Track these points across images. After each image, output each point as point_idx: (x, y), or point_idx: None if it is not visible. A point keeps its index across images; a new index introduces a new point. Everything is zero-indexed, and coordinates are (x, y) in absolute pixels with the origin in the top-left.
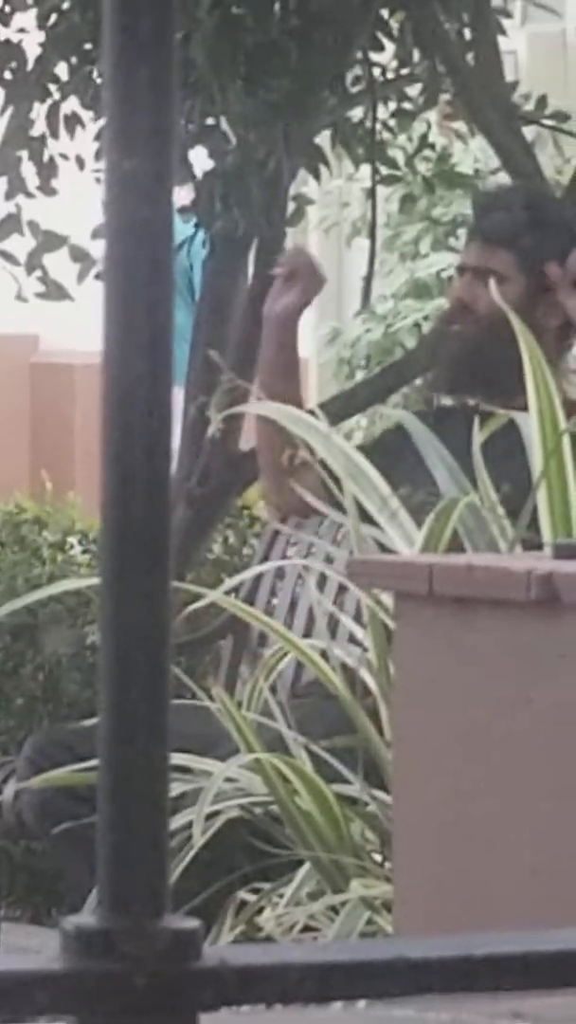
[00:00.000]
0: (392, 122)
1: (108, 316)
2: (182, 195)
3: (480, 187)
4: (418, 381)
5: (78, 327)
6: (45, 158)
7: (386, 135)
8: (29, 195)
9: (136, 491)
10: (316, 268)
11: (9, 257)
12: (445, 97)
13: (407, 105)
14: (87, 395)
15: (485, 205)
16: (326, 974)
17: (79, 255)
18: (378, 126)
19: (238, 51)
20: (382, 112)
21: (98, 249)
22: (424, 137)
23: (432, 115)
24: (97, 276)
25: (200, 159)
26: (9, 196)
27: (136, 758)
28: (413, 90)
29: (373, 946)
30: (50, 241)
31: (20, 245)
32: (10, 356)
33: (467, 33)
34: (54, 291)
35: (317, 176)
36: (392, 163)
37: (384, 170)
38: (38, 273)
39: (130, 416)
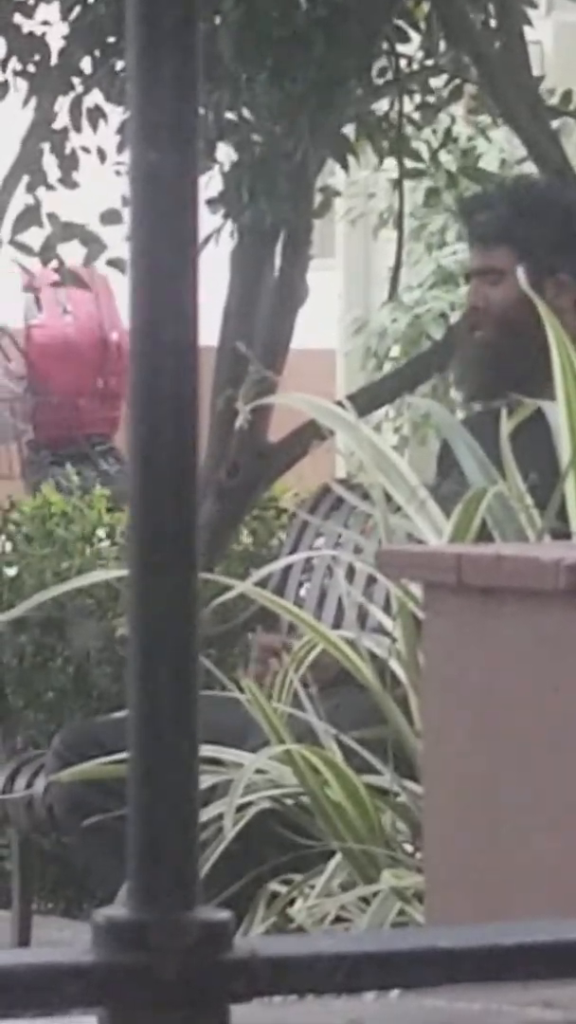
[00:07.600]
0: (416, 115)
1: (134, 309)
2: (209, 187)
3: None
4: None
5: None
6: (67, 151)
7: (410, 129)
8: (50, 187)
9: (164, 484)
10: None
11: (26, 248)
12: (471, 90)
13: (432, 99)
14: None
15: (469, 210)
16: (357, 964)
17: (88, 238)
18: (403, 119)
19: (264, 43)
20: (407, 105)
21: (109, 234)
22: (448, 132)
23: (457, 108)
24: (109, 263)
25: (226, 151)
26: (30, 188)
27: (165, 750)
28: (438, 83)
29: (404, 936)
30: (65, 231)
31: (38, 237)
32: None
33: (492, 23)
34: (70, 279)
35: (345, 166)
36: (416, 156)
37: (409, 163)
38: (54, 264)
39: (157, 410)
